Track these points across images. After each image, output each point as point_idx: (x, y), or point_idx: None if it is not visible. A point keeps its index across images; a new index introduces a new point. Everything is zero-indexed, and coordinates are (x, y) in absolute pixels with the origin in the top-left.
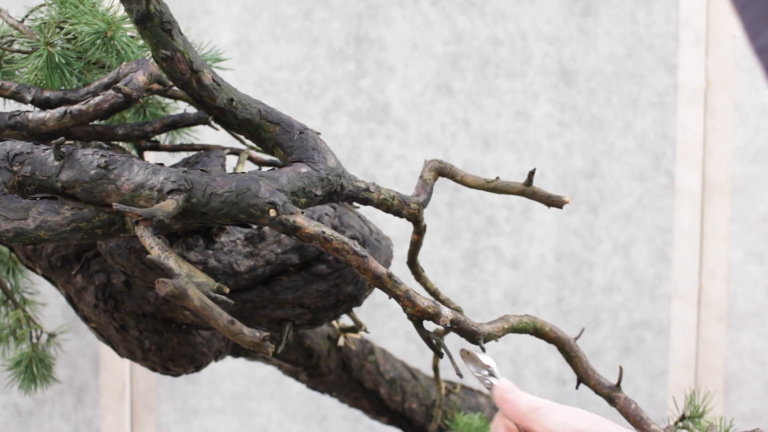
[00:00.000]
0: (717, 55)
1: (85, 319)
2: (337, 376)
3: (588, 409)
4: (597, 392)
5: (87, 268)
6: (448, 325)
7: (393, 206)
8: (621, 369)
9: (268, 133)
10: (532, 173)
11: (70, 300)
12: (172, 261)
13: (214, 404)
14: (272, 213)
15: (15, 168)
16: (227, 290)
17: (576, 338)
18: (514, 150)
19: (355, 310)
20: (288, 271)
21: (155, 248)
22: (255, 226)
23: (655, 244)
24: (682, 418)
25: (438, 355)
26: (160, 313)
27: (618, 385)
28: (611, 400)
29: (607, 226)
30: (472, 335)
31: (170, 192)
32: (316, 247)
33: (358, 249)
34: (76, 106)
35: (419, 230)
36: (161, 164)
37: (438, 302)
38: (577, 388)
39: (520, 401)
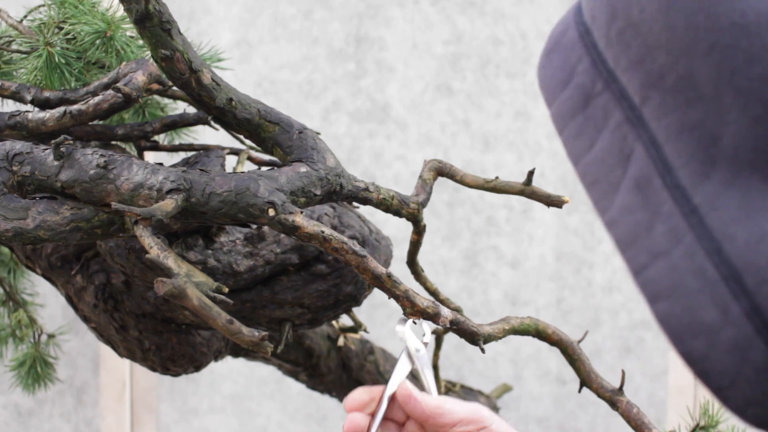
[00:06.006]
0: None
1: (85, 319)
2: (336, 376)
3: (588, 410)
4: (599, 395)
5: (87, 268)
6: (448, 325)
7: (392, 206)
8: (623, 373)
9: (267, 132)
10: (531, 173)
11: (69, 300)
12: (171, 260)
13: (214, 404)
14: (271, 212)
15: (14, 168)
16: (226, 290)
17: (579, 341)
18: (514, 150)
19: (355, 310)
20: (287, 271)
21: (154, 248)
22: (254, 226)
23: None
24: (697, 427)
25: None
26: (159, 313)
27: (620, 389)
28: (613, 404)
29: None
30: (472, 336)
31: (169, 191)
32: (316, 246)
33: (357, 249)
34: (75, 106)
35: (419, 230)
36: (160, 164)
37: (437, 302)
38: (579, 391)
39: (426, 401)
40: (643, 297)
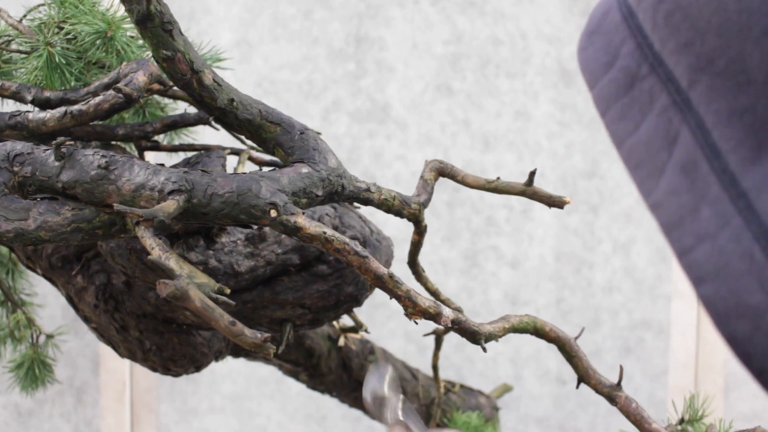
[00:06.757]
0: None
1: (86, 320)
2: (337, 376)
3: (588, 410)
4: (597, 391)
5: (87, 268)
6: (449, 325)
7: (394, 206)
8: (621, 368)
9: (268, 133)
10: (532, 174)
11: (70, 300)
12: (173, 262)
13: (214, 404)
14: (273, 213)
15: (15, 168)
16: (228, 291)
17: (576, 338)
18: (514, 150)
19: (356, 310)
20: (288, 271)
21: (156, 249)
22: (256, 227)
23: (655, 244)
24: (681, 421)
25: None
26: (160, 313)
27: (618, 384)
28: (612, 400)
29: (607, 226)
30: (474, 335)
31: (171, 192)
32: (317, 247)
33: (359, 249)
34: (76, 107)
35: (420, 230)
36: (162, 165)
37: (439, 302)
38: (577, 387)
39: None
40: (688, 279)
